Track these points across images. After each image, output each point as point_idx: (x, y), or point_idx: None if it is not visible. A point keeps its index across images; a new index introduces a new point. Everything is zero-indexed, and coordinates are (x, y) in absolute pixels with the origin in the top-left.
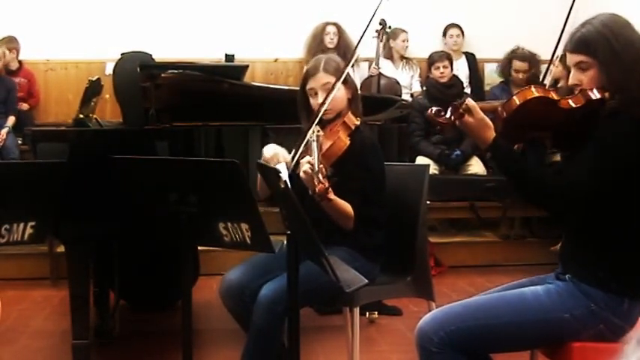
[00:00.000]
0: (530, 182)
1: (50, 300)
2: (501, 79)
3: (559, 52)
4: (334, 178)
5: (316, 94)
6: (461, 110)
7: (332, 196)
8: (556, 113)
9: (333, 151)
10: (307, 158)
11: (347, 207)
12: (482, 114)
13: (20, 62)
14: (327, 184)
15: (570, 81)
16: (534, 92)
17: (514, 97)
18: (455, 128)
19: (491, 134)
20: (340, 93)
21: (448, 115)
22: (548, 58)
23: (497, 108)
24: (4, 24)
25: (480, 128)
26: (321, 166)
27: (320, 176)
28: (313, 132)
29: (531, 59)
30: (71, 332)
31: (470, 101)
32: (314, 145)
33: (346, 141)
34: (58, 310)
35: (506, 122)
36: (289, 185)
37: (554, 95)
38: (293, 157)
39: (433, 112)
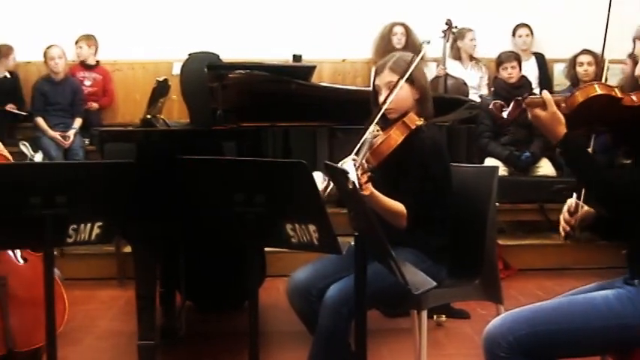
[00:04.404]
0: (599, 181)
1: (117, 300)
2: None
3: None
4: (372, 174)
5: (380, 92)
6: (524, 106)
7: (367, 191)
8: (618, 111)
9: (382, 148)
10: (352, 156)
11: (395, 205)
12: (555, 108)
13: (97, 61)
14: (363, 180)
15: (637, 72)
16: (597, 90)
17: (576, 94)
18: (515, 124)
19: (562, 129)
20: (405, 93)
21: (510, 110)
22: (619, 57)
23: (560, 103)
24: (73, 25)
25: (551, 122)
26: (363, 161)
27: (359, 172)
28: (372, 132)
29: (596, 56)
30: (137, 332)
31: (546, 94)
32: (366, 142)
33: (397, 139)
34: (125, 311)
35: (567, 118)
36: (357, 186)
37: (617, 93)
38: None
39: (495, 105)
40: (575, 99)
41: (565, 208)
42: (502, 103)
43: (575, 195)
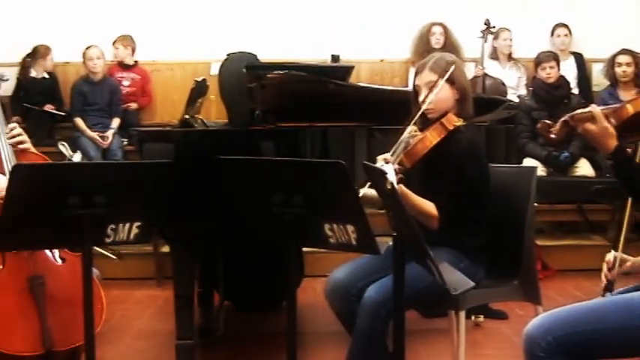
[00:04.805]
0: None
1: (155, 300)
2: (608, 83)
3: None
4: (402, 175)
5: (420, 91)
6: (572, 124)
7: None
8: None
9: (417, 149)
10: (385, 155)
11: (425, 204)
12: (605, 122)
13: (136, 62)
14: None
15: None
16: None
17: (627, 106)
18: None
19: (613, 142)
20: (445, 93)
21: (557, 127)
22: None
23: (609, 116)
24: (111, 26)
25: (602, 136)
26: (395, 163)
27: None
28: (410, 132)
29: (634, 55)
30: (175, 332)
31: (595, 109)
32: (403, 142)
33: (433, 140)
34: (163, 310)
35: (616, 129)
36: (396, 186)
37: None
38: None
39: (542, 127)
40: (625, 111)
41: (605, 265)
42: (549, 122)
43: (613, 251)
